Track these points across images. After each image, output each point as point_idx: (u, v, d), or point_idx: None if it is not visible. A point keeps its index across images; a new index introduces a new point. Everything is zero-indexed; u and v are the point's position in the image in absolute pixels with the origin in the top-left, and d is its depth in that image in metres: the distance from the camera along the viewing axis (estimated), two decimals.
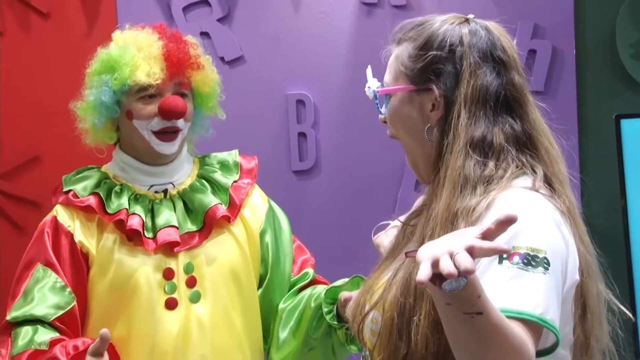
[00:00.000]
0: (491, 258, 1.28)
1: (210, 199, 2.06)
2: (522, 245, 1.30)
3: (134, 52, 1.98)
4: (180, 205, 2.07)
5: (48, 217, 2.04)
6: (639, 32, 3.09)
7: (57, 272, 1.99)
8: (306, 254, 2.25)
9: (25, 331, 1.95)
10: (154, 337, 2.03)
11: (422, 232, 1.46)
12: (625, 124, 2.72)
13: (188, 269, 2.03)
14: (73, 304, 1.97)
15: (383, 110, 1.56)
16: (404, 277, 1.42)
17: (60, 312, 1.96)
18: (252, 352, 2.14)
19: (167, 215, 2.03)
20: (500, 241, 1.20)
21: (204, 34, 2.81)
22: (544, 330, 1.26)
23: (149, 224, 2.03)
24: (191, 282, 2.04)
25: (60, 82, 2.91)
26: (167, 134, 2.00)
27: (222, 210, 2.05)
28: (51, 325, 1.94)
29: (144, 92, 1.96)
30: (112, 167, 2.10)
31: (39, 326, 1.95)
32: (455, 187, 1.42)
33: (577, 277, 1.39)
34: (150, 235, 2.00)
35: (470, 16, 1.51)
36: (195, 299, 2.04)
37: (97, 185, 2.04)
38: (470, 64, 1.46)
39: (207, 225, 2.05)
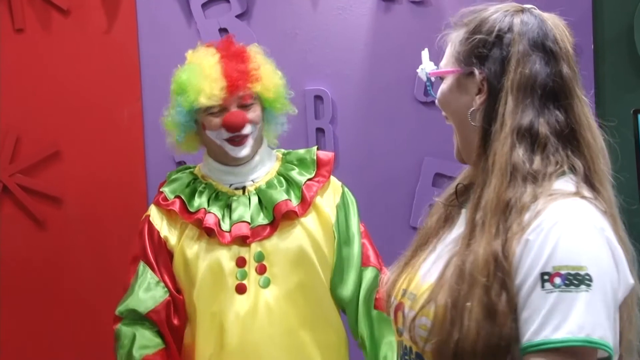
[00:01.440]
0: (534, 280, 1.32)
1: (280, 196, 2.23)
2: (561, 264, 1.32)
3: (198, 75, 2.18)
4: (255, 200, 2.27)
5: (145, 215, 2.30)
6: None
7: (152, 269, 2.21)
8: (368, 247, 2.38)
9: (124, 339, 2.20)
10: (224, 318, 2.21)
11: (472, 216, 1.45)
12: None
13: (259, 257, 2.21)
14: (165, 297, 2.18)
15: (438, 95, 1.60)
16: (457, 265, 1.43)
17: (154, 306, 2.16)
18: (322, 331, 2.29)
19: (241, 211, 2.24)
20: (539, 262, 1.32)
21: (223, 30, 2.88)
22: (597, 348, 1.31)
23: (227, 219, 2.24)
24: (261, 270, 2.21)
25: (80, 78, 3.02)
26: (235, 140, 2.20)
27: (290, 205, 2.22)
28: (147, 317, 2.16)
29: (210, 109, 2.16)
30: (202, 168, 2.32)
31: (136, 335, 2.18)
32: (504, 175, 1.42)
33: (631, 280, 1.40)
34: (227, 228, 2.20)
35: (528, 6, 1.51)
36: (265, 284, 2.20)
37: (186, 186, 2.28)
38: (518, 51, 1.47)
39: (277, 218, 2.22)
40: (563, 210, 1.34)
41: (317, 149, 2.39)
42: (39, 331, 3.23)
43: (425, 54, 1.64)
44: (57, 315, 3.18)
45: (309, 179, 2.32)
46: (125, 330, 2.23)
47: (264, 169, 2.33)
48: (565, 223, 1.32)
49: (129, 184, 3.10)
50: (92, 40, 3.01)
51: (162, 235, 2.26)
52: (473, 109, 1.46)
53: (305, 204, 2.28)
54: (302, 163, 2.37)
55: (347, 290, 2.29)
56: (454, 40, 1.53)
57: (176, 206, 2.24)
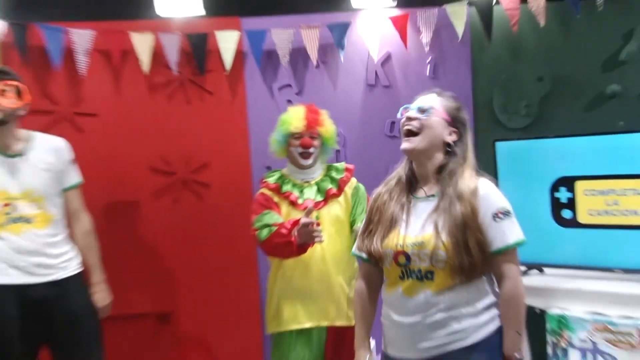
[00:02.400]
0: (490, 218, 2.19)
1: (328, 185, 3.21)
2: (499, 208, 2.21)
3: (292, 117, 3.21)
4: (315, 188, 3.21)
5: (259, 192, 3.23)
6: (503, 97, 4.27)
7: (272, 209, 3.12)
8: None
9: (264, 228, 3.05)
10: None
11: (446, 192, 2.28)
12: (499, 145, 3.66)
13: (317, 218, 3.12)
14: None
15: (423, 116, 2.29)
16: (448, 226, 2.21)
17: (280, 221, 3.04)
18: (345, 262, 3.19)
19: (308, 194, 3.19)
20: (488, 209, 2.18)
21: (289, 101, 4.14)
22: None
23: (301, 196, 3.19)
24: (318, 224, 3.03)
25: (218, 123, 4.23)
26: (305, 155, 3.20)
27: (333, 190, 3.18)
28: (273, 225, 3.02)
29: (295, 135, 3.18)
30: (286, 171, 3.28)
31: (269, 221, 3.03)
32: (470, 173, 2.30)
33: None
34: (301, 202, 3.17)
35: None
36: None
37: (278, 178, 3.24)
38: (467, 122, 2.37)
39: (326, 198, 3.19)
40: (484, 182, 2.26)
41: (345, 162, 3.35)
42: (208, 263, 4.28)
43: (426, 99, 2.37)
44: (217, 252, 4.26)
45: (341, 178, 3.24)
46: (260, 224, 3.09)
47: (317, 173, 3.26)
48: (490, 187, 2.25)
49: (242, 181, 4.26)
50: (223, 107, 4.23)
51: (276, 203, 3.15)
52: (448, 140, 2.31)
53: (340, 190, 3.20)
54: (337, 170, 3.29)
55: (353, 218, 3.22)
56: (442, 101, 2.34)
57: (275, 187, 3.21)
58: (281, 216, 3.11)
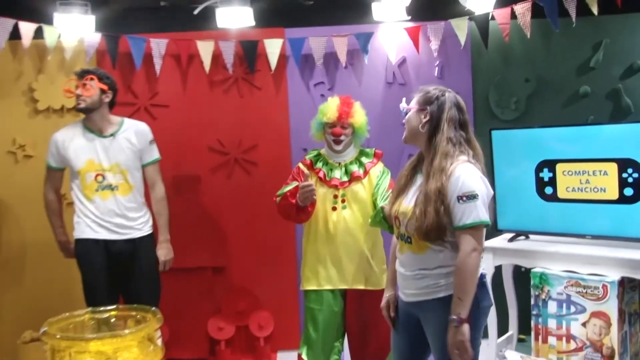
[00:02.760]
0: (455, 199, 2.19)
1: (353, 168, 3.11)
2: (463, 191, 2.19)
3: (327, 108, 3.13)
4: (343, 169, 3.14)
5: (296, 166, 3.21)
6: (497, 94, 4.30)
7: (296, 180, 3.09)
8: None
9: (279, 195, 3.07)
10: (325, 221, 3.11)
11: (427, 172, 2.27)
12: (494, 133, 3.75)
13: (342, 195, 3.09)
14: (306, 174, 2.97)
15: (405, 116, 2.39)
16: (419, 197, 2.30)
17: (292, 187, 3.01)
18: (366, 235, 3.10)
19: (336, 173, 3.11)
20: (455, 191, 2.19)
21: (322, 95, 4.16)
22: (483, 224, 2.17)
23: (330, 175, 3.11)
24: (343, 201, 3.08)
25: (267, 113, 4.33)
26: (336, 142, 3.12)
27: (358, 173, 3.07)
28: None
29: (330, 124, 3.10)
30: (324, 151, 3.21)
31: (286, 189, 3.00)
32: (442, 156, 2.25)
33: (492, 192, 2.28)
34: (328, 178, 3.10)
35: (449, 90, 2.37)
36: (344, 208, 3.07)
37: (315, 156, 3.20)
38: (448, 105, 2.30)
39: (351, 179, 3.10)
40: (462, 167, 2.21)
41: (375, 149, 3.23)
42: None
43: (403, 101, 2.46)
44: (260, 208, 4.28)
45: (369, 162, 3.15)
46: (279, 192, 3.09)
47: (349, 156, 3.17)
48: (464, 173, 2.20)
49: (283, 159, 4.29)
50: (269, 100, 4.32)
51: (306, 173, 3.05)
52: (421, 124, 2.32)
53: (365, 173, 3.10)
54: (366, 154, 3.19)
55: (376, 196, 3.10)
56: (416, 97, 2.38)
57: (310, 164, 3.17)
58: None
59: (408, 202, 2.34)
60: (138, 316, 3.09)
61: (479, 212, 2.19)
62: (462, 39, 4.13)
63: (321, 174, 3.07)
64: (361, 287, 3.07)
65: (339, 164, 3.12)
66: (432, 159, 2.28)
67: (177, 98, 4.28)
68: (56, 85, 4.23)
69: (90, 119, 3.43)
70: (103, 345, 2.68)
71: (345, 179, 3.07)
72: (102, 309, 3.19)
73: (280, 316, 4.32)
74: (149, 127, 3.58)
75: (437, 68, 4.31)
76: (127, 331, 2.79)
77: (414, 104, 2.38)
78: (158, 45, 4.17)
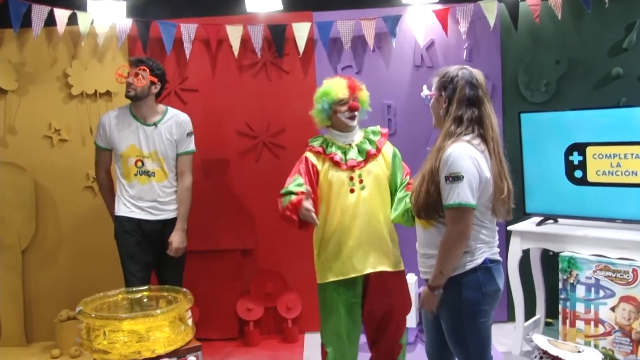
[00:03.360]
0: (443, 179, 2.20)
1: (367, 147, 3.00)
2: (451, 172, 2.19)
3: (335, 86, 2.98)
4: (356, 150, 3.01)
5: (304, 155, 3.00)
6: (527, 76, 4.26)
7: (302, 176, 2.93)
8: (407, 169, 3.02)
9: (286, 195, 2.88)
10: (343, 204, 2.95)
11: (430, 156, 2.34)
12: (523, 116, 3.81)
13: (359, 175, 2.96)
14: (304, 189, 2.81)
15: (429, 103, 2.43)
16: (417, 176, 2.39)
17: (298, 189, 2.85)
18: (385, 215, 2.99)
19: (351, 154, 2.97)
20: (443, 171, 2.19)
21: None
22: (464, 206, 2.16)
23: (344, 157, 2.97)
24: (360, 182, 2.94)
25: (290, 96, 4.31)
26: (352, 117, 2.99)
27: (373, 151, 2.98)
28: (295, 193, 2.82)
29: (344, 101, 2.96)
30: (328, 135, 3.07)
31: (292, 187, 2.87)
32: (444, 136, 2.31)
33: (487, 175, 2.21)
34: (344, 161, 2.95)
35: (466, 67, 2.34)
36: (362, 189, 2.94)
37: (322, 142, 3.02)
38: (459, 85, 2.28)
39: (367, 158, 2.98)
40: (454, 147, 2.22)
41: (380, 127, 3.09)
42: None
43: (424, 89, 2.49)
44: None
45: (378, 139, 3.03)
46: (284, 190, 2.92)
47: (357, 136, 3.04)
48: (454, 152, 2.21)
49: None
50: (297, 83, 4.32)
51: (314, 164, 2.96)
52: (442, 110, 2.34)
53: (378, 151, 3.00)
54: (374, 132, 3.08)
55: (395, 185, 3.00)
56: (435, 83, 2.39)
57: (320, 149, 2.99)
58: (307, 182, 2.93)
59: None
60: (169, 296, 3.20)
61: (461, 194, 2.19)
62: (492, 20, 4.10)
63: (337, 158, 2.94)
64: (385, 269, 2.97)
65: (350, 145, 3.01)
66: (437, 138, 2.34)
67: (206, 82, 4.31)
68: (89, 71, 4.35)
69: (136, 106, 3.59)
70: (136, 324, 2.79)
71: (360, 158, 2.96)
72: (134, 289, 3.33)
73: (307, 298, 4.32)
74: (190, 119, 3.69)
75: (465, 50, 4.28)
76: (158, 311, 2.87)
77: (433, 91, 2.40)
78: (188, 30, 4.22)
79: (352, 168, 2.93)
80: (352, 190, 2.93)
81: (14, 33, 3.99)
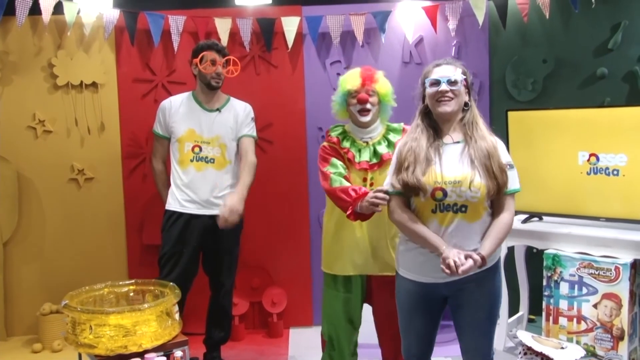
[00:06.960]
0: (505, 165, 2.35)
1: (383, 150, 2.86)
2: (509, 160, 2.39)
3: (349, 76, 2.90)
4: (372, 149, 2.89)
5: (322, 145, 2.96)
6: (514, 75, 4.28)
7: (339, 159, 2.88)
8: None
9: (337, 175, 2.80)
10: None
11: (472, 139, 2.40)
12: (510, 114, 3.79)
13: (371, 178, 2.89)
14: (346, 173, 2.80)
15: (455, 88, 2.40)
16: (479, 158, 2.34)
17: (345, 172, 2.82)
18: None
19: (365, 155, 2.87)
20: (504, 157, 2.36)
21: (338, 74, 3.96)
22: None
23: (358, 156, 2.88)
24: (371, 185, 2.88)
25: (281, 89, 4.33)
26: (363, 112, 2.84)
27: (388, 155, 2.82)
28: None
29: (354, 93, 2.85)
30: (348, 127, 2.97)
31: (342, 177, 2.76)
32: (481, 121, 2.45)
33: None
34: (358, 160, 2.87)
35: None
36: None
37: (341, 133, 2.95)
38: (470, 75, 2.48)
39: (381, 162, 2.87)
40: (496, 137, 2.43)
41: (404, 124, 2.92)
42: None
43: (454, 71, 2.45)
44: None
45: (397, 140, 2.85)
46: (335, 170, 2.84)
47: (376, 132, 2.92)
48: (500, 142, 2.43)
49: (298, 138, 4.37)
50: (285, 78, 4.34)
51: (338, 149, 2.90)
52: (467, 98, 2.45)
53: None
54: (395, 130, 2.95)
55: None
56: (460, 68, 2.45)
57: (337, 141, 2.91)
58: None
59: (455, 171, 2.33)
60: (156, 291, 3.20)
61: (518, 180, 2.42)
62: (480, 18, 4.14)
63: (350, 155, 2.85)
64: (389, 273, 2.87)
65: (367, 143, 2.89)
66: (473, 125, 2.41)
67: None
68: (75, 61, 4.31)
69: (206, 93, 3.56)
70: (123, 318, 2.78)
71: (374, 160, 2.86)
72: (120, 283, 3.30)
73: (293, 293, 4.38)
74: (251, 107, 3.68)
75: (454, 48, 4.30)
76: (146, 305, 2.87)
77: (463, 80, 2.44)
78: (176, 22, 4.22)
79: (364, 169, 2.87)
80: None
81: None
